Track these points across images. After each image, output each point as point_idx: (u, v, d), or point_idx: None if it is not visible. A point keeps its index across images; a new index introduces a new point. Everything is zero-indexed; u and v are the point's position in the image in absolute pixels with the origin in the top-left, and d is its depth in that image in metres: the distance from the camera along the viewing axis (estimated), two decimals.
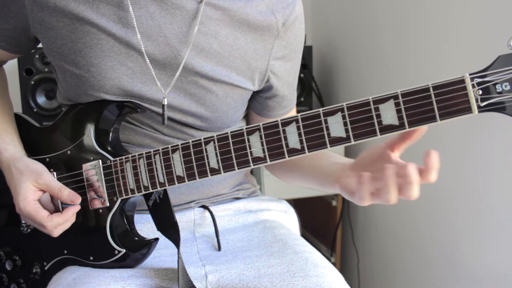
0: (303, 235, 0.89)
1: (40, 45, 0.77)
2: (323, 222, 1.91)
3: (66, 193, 0.69)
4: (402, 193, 0.54)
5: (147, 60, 0.70)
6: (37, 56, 1.48)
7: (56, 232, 0.69)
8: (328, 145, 0.55)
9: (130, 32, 0.69)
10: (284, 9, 0.74)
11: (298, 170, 0.81)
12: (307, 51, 1.76)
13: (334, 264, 1.69)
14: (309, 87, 1.79)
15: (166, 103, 0.71)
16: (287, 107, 0.85)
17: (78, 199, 0.69)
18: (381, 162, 0.57)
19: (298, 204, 1.84)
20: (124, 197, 0.70)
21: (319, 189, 0.76)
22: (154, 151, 0.67)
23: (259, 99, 0.82)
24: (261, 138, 0.58)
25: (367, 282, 1.75)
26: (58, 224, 0.68)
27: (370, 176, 0.55)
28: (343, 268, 1.88)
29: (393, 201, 0.55)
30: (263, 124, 0.59)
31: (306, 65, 1.75)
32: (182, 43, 0.70)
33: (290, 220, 0.91)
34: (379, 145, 0.59)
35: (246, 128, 0.60)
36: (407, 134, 0.54)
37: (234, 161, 0.61)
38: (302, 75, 1.76)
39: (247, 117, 0.88)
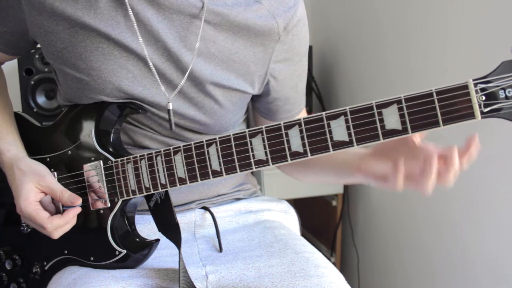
0: (303, 235, 0.90)
1: (40, 45, 0.77)
2: (323, 222, 1.91)
3: (67, 195, 0.69)
4: (440, 179, 0.56)
5: (151, 64, 0.70)
6: (37, 56, 1.47)
7: (56, 234, 0.69)
8: (331, 149, 0.55)
9: (129, 37, 0.69)
10: (286, 13, 0.74)
11: (318, 165, 0.81)
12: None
13: (334, 264, 1.69)
14: (309, 87, 1.79)
15: (171, 107, 0.71)
16: (291, 111, 0.84)
17: (78, 200, 0.69)
18: (403, 147, 0.59)
19: (298, 204, 1.84)
20: (125, 198, 0.70)
21: (334, 181, 0.79)
22: (155, 152, 0.67)
23: (261, 103, 0.82)
24: (263, 141, 0.59)
25: (367, 282, 1.76)
26: (58, 226, 0.68)
27: (404, 162, 0.57)
28: (343, 268, 1.89)
29: (431, 188, 0.57)
30: (265, 127, 0.59)
31: None
32: (181, 48, 0.70)
33: (290, 220, 0.91)
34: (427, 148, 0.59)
35: (248, 131, 0.60)
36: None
37: (236, 163, 0.61)
38: None
39: (254, 120, 0.88)
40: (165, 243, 0.75)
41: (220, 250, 0.77)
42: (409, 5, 1.43)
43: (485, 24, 1.13)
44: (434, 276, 1.39)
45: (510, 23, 1.05)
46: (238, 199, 0.88)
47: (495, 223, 1.16)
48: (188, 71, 0.70)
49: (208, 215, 0.82)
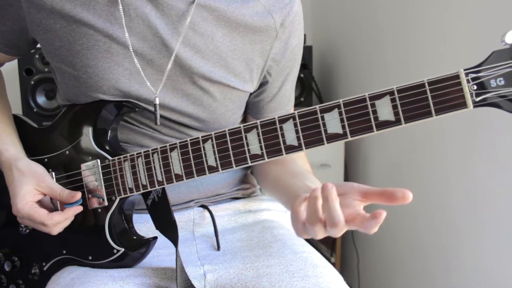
0: None
1: (39, 45, 0.78)
2: None
3: (67, 193, 0.69)
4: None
5: (135, 61, 0.70)
6: (37, 56, 1.48)
7: (56, 230, 0.69)
8: (325, 142, 0.55)
9: (126, 33, 0.69)
10: (282, 9, 0.74)
11: (273, 187, 0.81)
12: (307, 51, 1.76)
13: (334, 264, 1.69)
14: (309, 87, 1.79)
15: (157, 102, 0.71)
16: (283, 108, 0.85)
17: (78, 194, 0.70)
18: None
19: None
20: (123, 196, 0.70)
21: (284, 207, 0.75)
22: (152, 150, 0.67)
23: (254, 102, 0.82)
24: (258, 136, 0.59)
25: (367, 282, 1.75)
26: (58, 222, 0.68)
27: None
28: (343, 268, 1.88)
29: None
30: (260, 122, 0.59)
31: (306, 65, 1.76)
32: (179, 43, 0.70)
33: (289, 220, 0.91)
34: (352, 185, 0.57)
35: (243, 126, 0.60)
36: (389, 197, 0.52)
37: (232, 158, 0.61)
38: (302, 75, 1.76)
39: (244, 121, 0.88)
40: (163, 243, 0.75)
41: (218, 248, 0.77)
42: (408, 5, 1.43)
43: (478, 18, 1.14)
44: (433, 276, 1.38)
45: (502, 14, 1.05)
46: (237, 198, 0.88)
47: (494, 224, 1.16)
48: (172, 58, 0.70)
49: (207, 213, 0.82)
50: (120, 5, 0.68)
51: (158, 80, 0.72)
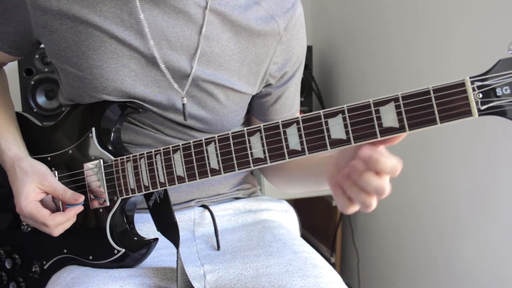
0: (303, 235, 0.90)
1: (43, 46, 0.78)
2: (323, 222, 1.91)
3: (70, 193, 0.69)
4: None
5: (162, 64, 0.70)
6: (37, 56, 1.48)
7: (57, 231, 0.69)
8: (329, 147, 0.55)
9: (133, 35, 0.69)
10: (285, 14, 0.75)
11: (296, 171, 0.81)
12: (307, 51, 1.76)
13: (334, 264, 1.69)
14: (309, 87, 1.79)
15: (185, 102, 0.73)
16: (288, 111, 0.85)
17: (81, 198, 0.70)
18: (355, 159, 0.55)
19: (298, 204, 1.84)
20: (125, 196, 0.70)
21: (319, 189, 0.75)
22: (155, 151, 0.67)
23: (259, 104, 0.83)
24: (261, 139, 0.59)
25: (367, 282, 1.76)
26: (59, 223, 0.68)
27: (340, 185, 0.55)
28: (343, 268, 1.88)
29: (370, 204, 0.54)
30: (263, 125, 0.59)
31: (306, 65, 1.75)
32: (184, 47, 0.71)
33: (289, 220, 0.91)
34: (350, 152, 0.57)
35: (247, 129, 0.60)
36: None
37: (235, 161, 0.61)
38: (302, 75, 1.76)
39: (248, 122, 0.88)
40: (164, 243, 0.75)
41: (218, 248, 0.77)
42: (409, 5, 1.43)
43: (484, 23, 1.14)
44: (433, 276, 1.39)
45: (510, 21, 1.05)
46: (237, 198, 0.89)
47: (497, 224, 1.16)
48: (193, 71, 0.71)
49: (207, 213, 0.83)
50: (139, 5, 0.68)
51: (163, 82, 0.72)
